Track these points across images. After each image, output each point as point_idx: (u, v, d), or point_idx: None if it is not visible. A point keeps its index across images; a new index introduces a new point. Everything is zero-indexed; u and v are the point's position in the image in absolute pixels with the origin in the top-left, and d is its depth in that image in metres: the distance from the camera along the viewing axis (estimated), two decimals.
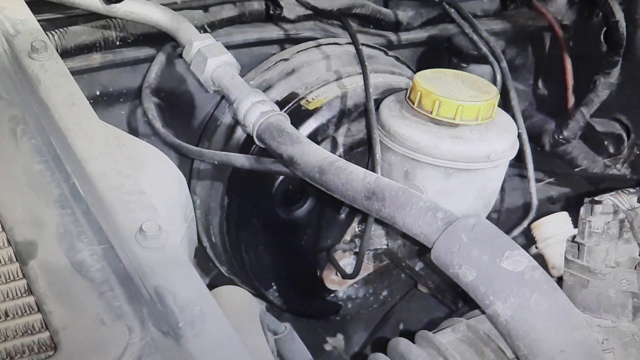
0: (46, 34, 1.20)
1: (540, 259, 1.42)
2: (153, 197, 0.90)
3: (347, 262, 1.64)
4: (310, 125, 1.59)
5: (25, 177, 0.97)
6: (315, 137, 1.58)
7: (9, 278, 0.82)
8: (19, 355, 0.75)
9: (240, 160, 1.47)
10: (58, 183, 0.96)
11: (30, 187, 0.94)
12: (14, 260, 0.84)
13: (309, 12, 1.77)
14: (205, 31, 1.65)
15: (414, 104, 1.42)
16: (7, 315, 0.79)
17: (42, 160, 1.00)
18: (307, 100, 1.63)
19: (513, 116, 1.50)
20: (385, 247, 1.64)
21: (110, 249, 0.86)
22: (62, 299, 0.80)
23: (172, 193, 1.03)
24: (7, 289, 0.81)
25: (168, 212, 0.98)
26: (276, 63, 1.73)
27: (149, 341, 0.78)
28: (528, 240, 1.49)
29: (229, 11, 1.71)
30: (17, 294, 0.81)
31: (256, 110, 1.37)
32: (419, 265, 1.69)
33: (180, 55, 1.56)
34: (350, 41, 1.65)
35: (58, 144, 1.01)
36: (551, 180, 1.89)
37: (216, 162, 1.53)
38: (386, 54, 1.81)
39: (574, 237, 1.13)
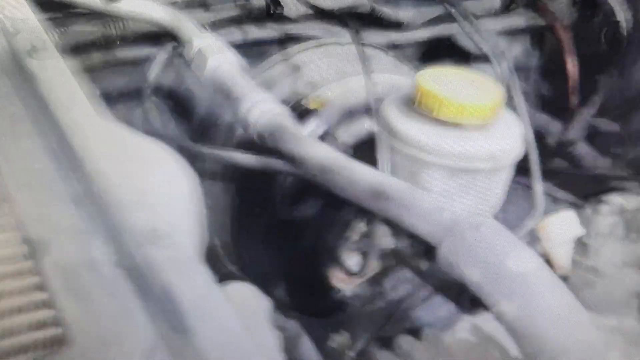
0: (46, 33, 1.20)
1: (546, 258, 1.42)
2: (162, 195, 0.90)
3: (353, 260, 1.64)
4: (311, 124, 1.60)
5: (30, 176, 0.97)
6: (316, 136, 1.58)
7: (23, 275, 0.83)
8: (31, 350, 0.76)
9: (243, 158, 1.47)
10: (64, 182, 0.96)
11: (39, 186, 0.94)
12: (27, 257, 0.85)
13: (310, 11, 1.77)
14: (206, 30, 1.65)
15: (415, 103, 1.42)
16: (20, 311, 0.79)
17: (46, 160, 1.00)
18: (307, 100, 1.64)
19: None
20: (392, 245, 1.64)
21: (120, 247, 0.86)
22: (74, 295, 0.80)
23: (182, 190, 1.03)
24: (21, 285, 0.81)
25: (177, 209, 0.98)
26: (277, 62, 1.73)
27: (158, 338, 0.78)
28: (534, 240, 1.49)
29: (229, 10, 1.72)
30: (30, 291, 0.81)
31: (257, 109, 1.37)
32: (425, 264, 1.69)
33: (181, 55, 1.56)
34: (351, 41, 1.65)
35: (58, 143, 1.00)
36: (555, 180, 1.90)
37: (218, 161, 1.53)
38: (387, 53, 1.82)
39: (581, 237, 1.14)
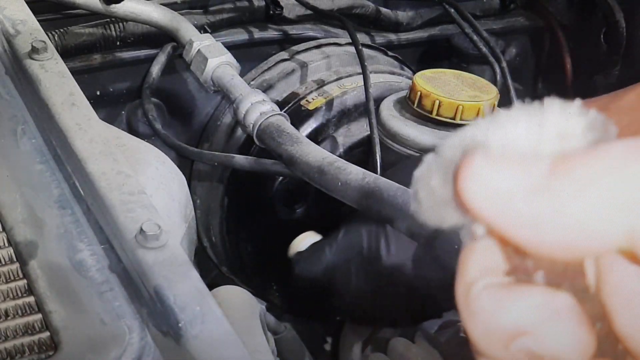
0: (46, 34, 1.20)
1: None
2: (153, 197, 0.90)
3: None
4: (310, 125, 1.60)
5: (25, 177, 0.97)
6: (315, 137, 1.58)
7: (9, 278, 0.82)
8: (19, 355, 0.75)
9: (240, 161, 1.47)
10: (58, 183, 0.96)
11: (30, 187, 0.94)
12: (14, 260, 0.84)
13: (309, 12, 1.77)
14: (205, 31, 1.66)
15: (414, 104, 1.42)
16: (7, 315, 0.79)
17: (42, 160, 1.00)
18: (307, 101, 1.64)
19: None
20: None
21: (110, 249, 0.86)
22: (63, 299, 0.80)
23: (172, 193, 1.03)
24: (8, 288, 0.81)
25: (168, 212, 0.98)
26: (276, 63, 1.73)
27: (148, 341, 0.78)
28: None
29: (229, 11, 1.72)
30: (17, 294, 0.81)
31: (256, 110, 1.37)
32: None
33: (181, 56, 1.56)
34: (350, 41, 1.65)
35: (58, 144, 1.00)
36: None
37: (216, 164, 1.53)
38: (386, 54, 1.82)
39: None
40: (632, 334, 0.33)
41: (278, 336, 1.13)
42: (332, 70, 1.70)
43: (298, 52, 1.75)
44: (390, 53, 1.83)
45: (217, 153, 1.57)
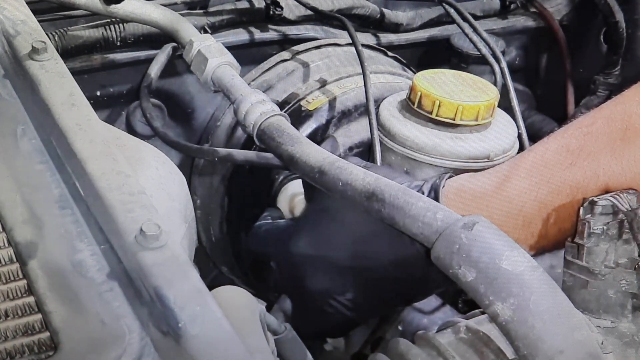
0: (46, 34, 1.21)
1: None
2: (153, 197, 0.90)
3: None
4: (310, 125, 1.60)
5: (25, 177, 0.97)
6: (315, 137, 1.58)
7: (9, 278, 0.82)
8: (19, 355, 0.76)
9: (241, 155, 1.47)
10: (58, 183, 0.96)
11: (30, 187, 0.95)
12: (14, 260, 0.85)
13: (309, 12, 1.77)
14: (206, 32, 1.66)
15: (414, 104, 1.42)
16: (7, 315, 0.79)
17: (42, 161, 1.00)
18: (307, 101, 1.64)
19: (513, 116, 1.50)
20: None
21: (110, 249, 0.86)
22: (62, 299, 0.80)
23: (172, 193, 1.03)
24: (7, 289, 0.81)
25: (168, 212, 0.98)
26: (276, 63, 1.73)
27: (148, 341, 0.78)
28: None
29: (229, 12, 1.72)
30: (17, 295, 0.81)
31: (256, 110, 1.37)
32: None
33: (181, 56, 1.56)
34: (350, 42, 1.65)
35: (58, 144, 1.01)
36: None
37: (217, 159, 1.53)
38: (386, 54, 1.82)
39: (574, 237, 1.13)
40: None
41: (278, 336, 1.13)
42: (332, 70, 1.70)
43: (298, 53, 1.75)
44: (390, 53, 1.83)
45: (217, 148, 1.56)
